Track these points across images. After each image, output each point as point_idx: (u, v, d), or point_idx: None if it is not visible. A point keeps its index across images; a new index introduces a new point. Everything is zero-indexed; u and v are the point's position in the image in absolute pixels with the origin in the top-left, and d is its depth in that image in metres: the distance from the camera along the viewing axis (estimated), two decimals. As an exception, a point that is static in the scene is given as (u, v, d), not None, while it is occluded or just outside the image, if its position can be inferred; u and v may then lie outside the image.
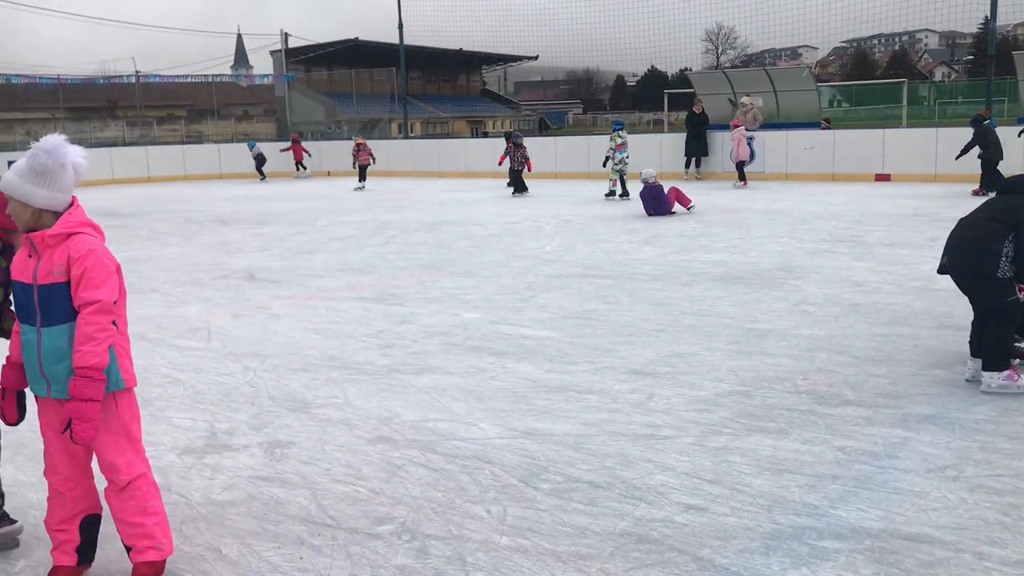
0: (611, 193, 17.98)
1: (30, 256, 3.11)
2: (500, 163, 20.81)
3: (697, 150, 22.17)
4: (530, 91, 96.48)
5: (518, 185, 20.04)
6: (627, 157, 17.91)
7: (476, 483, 4.17)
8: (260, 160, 28.90)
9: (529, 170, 20.06)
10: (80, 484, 3.25)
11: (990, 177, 15.51)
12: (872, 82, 62.33)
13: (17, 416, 3.31)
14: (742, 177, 19.89)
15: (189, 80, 43.50)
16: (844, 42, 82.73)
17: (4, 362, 3.27)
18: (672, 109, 38.12)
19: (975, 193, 15.87)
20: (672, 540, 3.51)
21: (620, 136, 17.93)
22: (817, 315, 7.37)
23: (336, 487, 4.18)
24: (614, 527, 3.66)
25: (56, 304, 3.05)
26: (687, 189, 16.22)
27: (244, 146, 29.90)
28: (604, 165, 18.57)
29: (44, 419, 3.20)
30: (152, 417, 5.25)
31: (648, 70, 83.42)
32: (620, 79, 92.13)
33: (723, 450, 4.48)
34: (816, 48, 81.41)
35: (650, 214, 14.65)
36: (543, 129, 58.08)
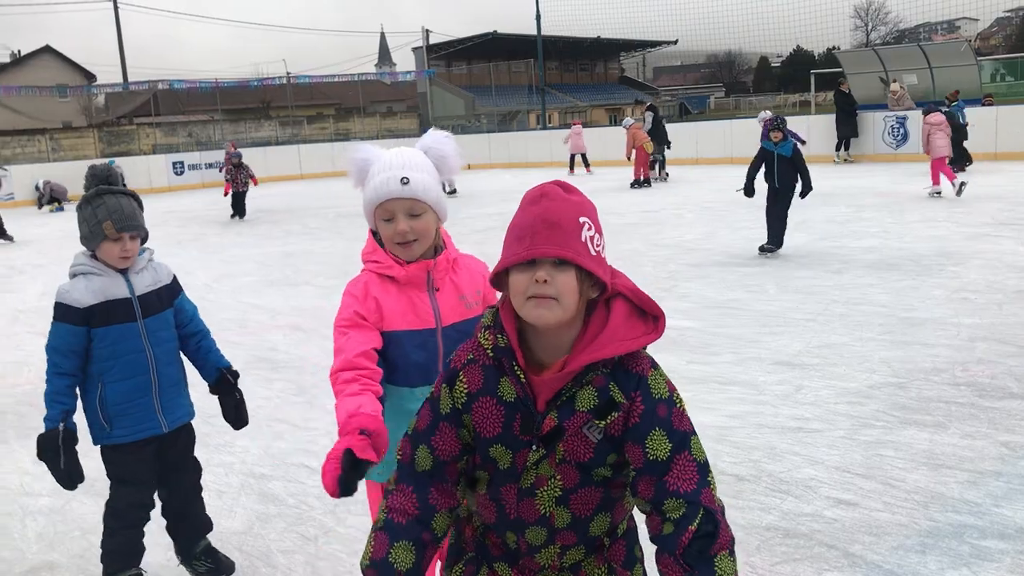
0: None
1: (418, 293, 2.33)
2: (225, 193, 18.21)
3: (847, 131, 21.28)
4: (669, 76, 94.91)
5: (239, 209, 17.91)
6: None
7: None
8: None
9: (255, 184, 18.36)
10: None
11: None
12: (1041, 53, 58.00)
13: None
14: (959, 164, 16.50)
15: (336, 80, 45.16)
16: (1008, 11, 77.35)
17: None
18: (819, 90, 36.69)
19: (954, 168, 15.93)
20: (821, 535, 3.42)
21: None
22: (978, 303, 6.97)
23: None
24: (760, 520, 3.59)
25: None
26: (837, 173, 15.62)
27: (352, 144, 30.58)
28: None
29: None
30: (308, 403, 5.52)
31: (793, 50, 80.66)
32: (764, 60, 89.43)
33: (875, 444, 4.32)
34: (976, 20, 76.45)
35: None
36: (683, 114, 57.03)
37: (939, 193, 13.78)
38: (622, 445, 1.65)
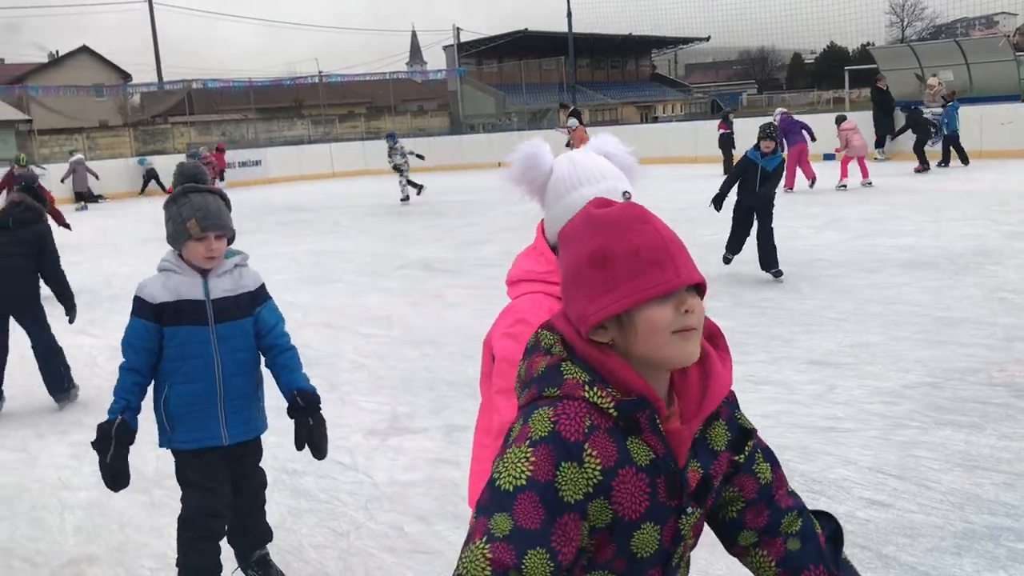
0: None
1: None
2: None
3: (886, 129, 21.00)
4: (702, 73, 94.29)
5: None
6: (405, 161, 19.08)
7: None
8: (152, 175, 27.49)
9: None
10: None
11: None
12: (1082, 47, 56.89)
13: None
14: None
15: (367, 79, 45.39)
16: (1049, 5, 75.95)
17: None
18: (853, 87, 36.26)
19: (917, 170, 17.47)
20: (854, 536, 3.39)
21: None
22: (1016, 302, 6.86)
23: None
24: (792, 520, 3.56)
25: None
26: (873, 170, 15.46)
27: (383, 142, 30.53)
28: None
29: None
30: (340, 400, 5.56)
31: (827, 46, 79.76)
32: (797, 57, 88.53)
33: (910, 444, 4.27)
34: (1015, 15, 75.09)
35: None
36: (716, 111, 56.67)
37: (844, 187, 15.57)
38: (732, 479, 1.48)
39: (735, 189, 8.80)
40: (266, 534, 3.37)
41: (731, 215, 8.91)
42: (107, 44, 67.57)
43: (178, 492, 4.23)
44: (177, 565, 3.10)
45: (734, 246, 8.93)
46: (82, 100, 44.51)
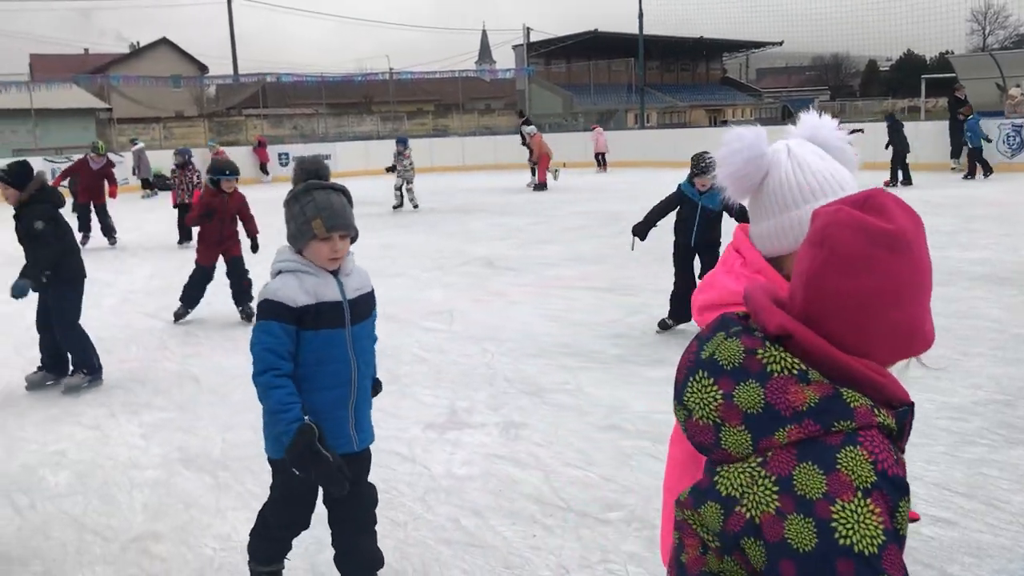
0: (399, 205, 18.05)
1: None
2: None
3: (962, 139, 20.43)
4: (773, 78, 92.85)
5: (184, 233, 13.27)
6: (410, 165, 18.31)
7: (707, 477, 4.13)
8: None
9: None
10: None
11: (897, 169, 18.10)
12: None
13: None
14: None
15: (436, 76, 45.70)
16: None
17: None
18: (930, 95, 35.39)
19: (886, 184, 17.27)
20: (917, 553, 3.32)
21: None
22: (1097, 322, 6.63)
23: (568, 471, 4.30)
24: (853, 534, 3.50)
25: None
26: (947, 181, 15.05)
27: (458, 139, 30.59)
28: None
29: None
30: (400, 392, 5.62)
31: (904, 54, 77.84)
32: (872, 64, 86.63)
33: (978, 462, 4.16)
34: (1105, 23, 72.36)
35: None
36: (786, 117, 55.77)
37: None
38: None
39: (673, 227, 7.24)
40: (378, 559, 3.10)
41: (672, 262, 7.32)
42: (186, 36, 69.33)
43: (243, 475, 4.35)
44: (250, 536, 3.12)
45: (678, 310, 6.90)
46: (160, 90, 45.57)
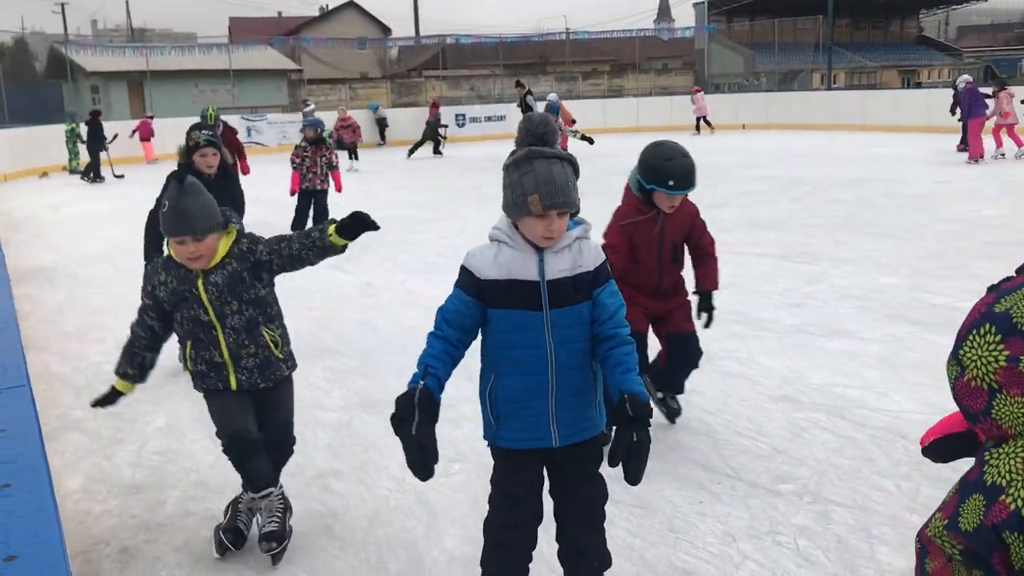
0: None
1: None
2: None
3: None
4: (976, 36, 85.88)
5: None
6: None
7: (886, 455, 3.96)
8: (383, 124, 28.01)
9: (339, 189, 10.28)
10: None
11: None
12: None
13: None
14: None
15: (613, 35, 45.21)
16: None
17: None
18: None
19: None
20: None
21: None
22: None
23: (737, 439, 4.23)
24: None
25: None
26: None
27: (633, 100, 29.84)
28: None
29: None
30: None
31: None
32: (1094, 18, 78.63)
33: None
34: None
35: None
36: (989, 78, 51.57)
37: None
38: None
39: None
40: (605, 559, 2.77)
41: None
42: (371, -1, 71.49)
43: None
44: (482, 552, 2.79)
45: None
46: (347, 52, 47.43)
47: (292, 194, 10.04)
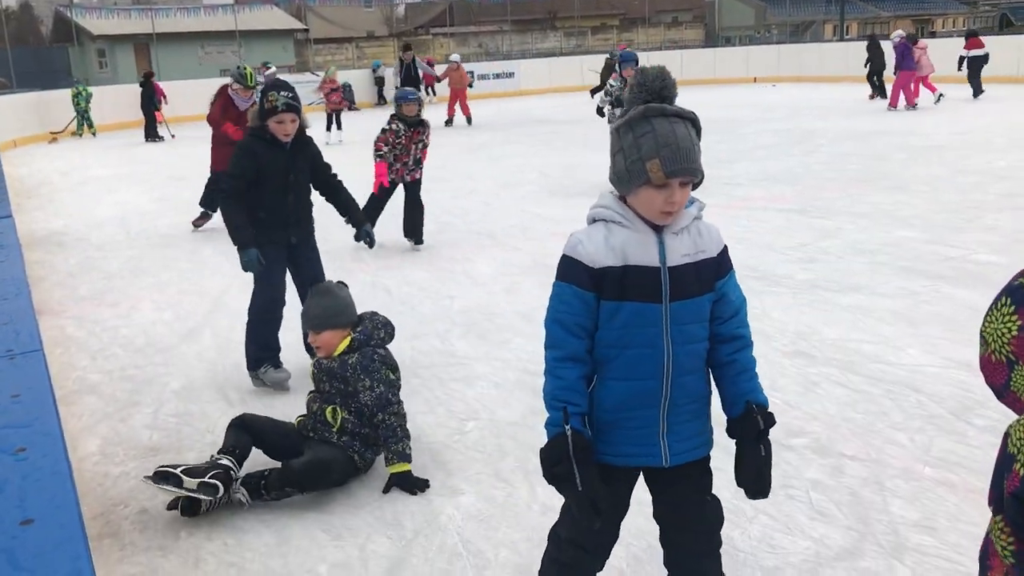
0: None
1: None
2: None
3: None
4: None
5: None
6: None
7: (900, 409, 3.95)
8: (381, 83, 27.71)
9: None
10: None
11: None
12: None
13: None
14: None
15: (623, -11, 44.58)
16: None
17: None
18: None
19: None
20: None
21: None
22: None
23: (750, 394, 4.21)
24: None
25: None
26: None
27: (643, 54, 29.50)
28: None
29: None
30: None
31: None
32: (1115, -38, 76.86)
33: None
34: None
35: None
36: (1004, 27, 50.66)
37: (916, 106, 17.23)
38: None
39: None
40: None
41: None
42: (376, -44, 70.53)
43: (431, 382, 4.52)
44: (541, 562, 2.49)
45: None
46: (353, 11, 47.00)
47: (375, 193, 7.74)
